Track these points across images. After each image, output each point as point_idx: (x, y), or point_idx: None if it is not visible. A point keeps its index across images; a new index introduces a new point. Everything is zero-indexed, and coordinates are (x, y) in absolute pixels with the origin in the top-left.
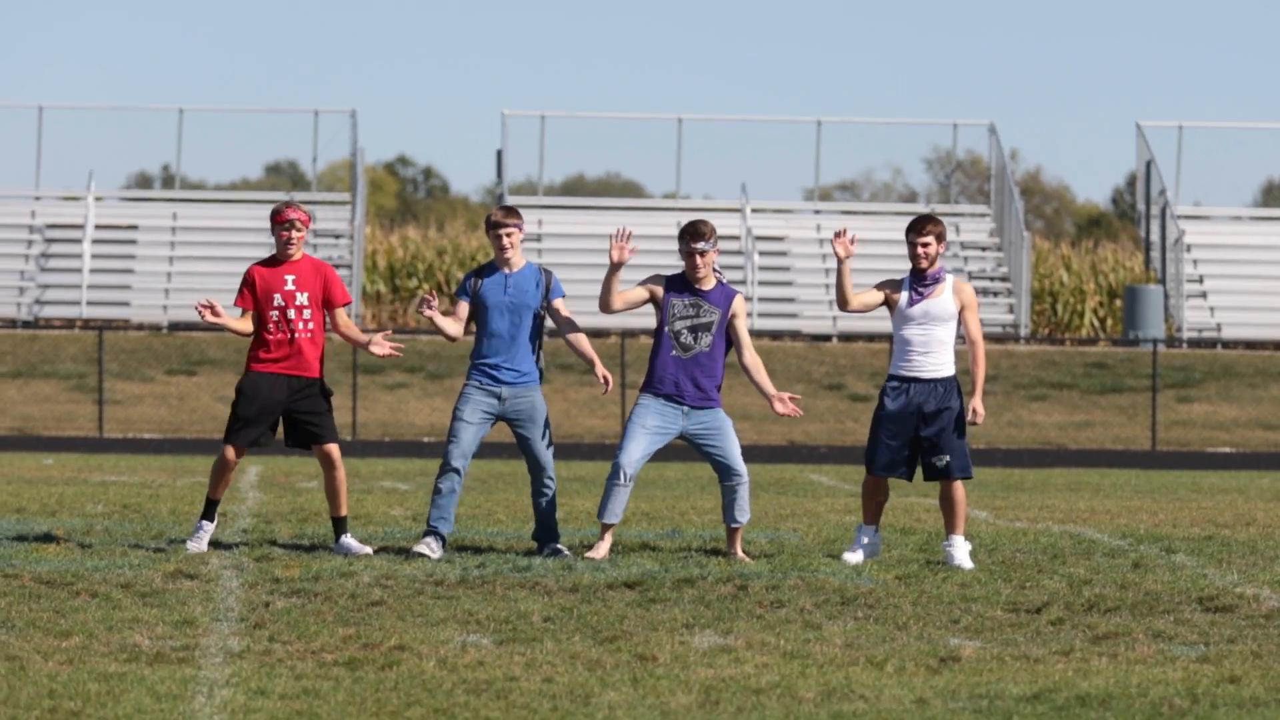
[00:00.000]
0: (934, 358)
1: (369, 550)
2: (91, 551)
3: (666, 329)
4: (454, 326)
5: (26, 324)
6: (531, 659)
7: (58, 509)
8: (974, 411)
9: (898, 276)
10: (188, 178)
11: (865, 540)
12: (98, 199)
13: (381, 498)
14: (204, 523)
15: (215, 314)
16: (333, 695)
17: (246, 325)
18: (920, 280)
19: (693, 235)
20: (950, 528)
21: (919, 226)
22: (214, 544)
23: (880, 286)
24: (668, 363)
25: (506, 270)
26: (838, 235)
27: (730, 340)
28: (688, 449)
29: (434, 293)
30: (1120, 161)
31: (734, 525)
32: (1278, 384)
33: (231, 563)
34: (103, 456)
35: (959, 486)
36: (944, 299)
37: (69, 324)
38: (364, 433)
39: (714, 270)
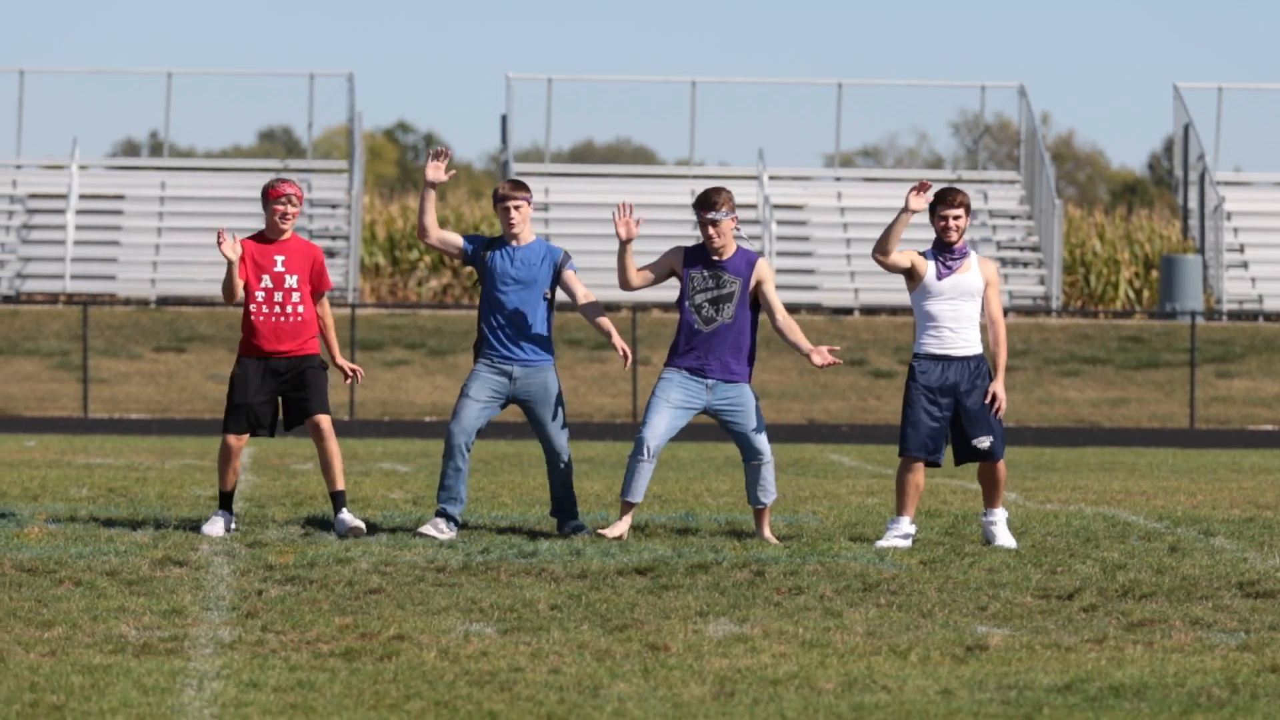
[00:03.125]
0: (965, 334)
1: (362, 525)
2: (75, 538)
3: (687, 302)
4: (432, 215)
5: (7, 299)
6: (537, 649)
7: (40, 493)
8: (994, 396)
9: (919, 249)
10: (177, 145)
11: (899, 531)
12: (82, 167)
13: (380, 480)
14: (221, 512)
15: (232, 249)
16: (328, 687)
17: (240, 286)
18: (948, 254)
19: (704, 205)
20: (990, 501)
21: (947, 199)
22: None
23: (909, 252)
24: (691, 336)
25: (515, 244)
26: (921, 188)
27: (759, 307)
28: (700, 428)
29: (445, 153)
30: (1157, 125)
31: (758, 506)
32: None
33: (222, 549)
34: (87, 438)
35: (1001, 465)
36: (972, 273)
37: (52, 299)
38: (362, 412)
39: (737, 235)
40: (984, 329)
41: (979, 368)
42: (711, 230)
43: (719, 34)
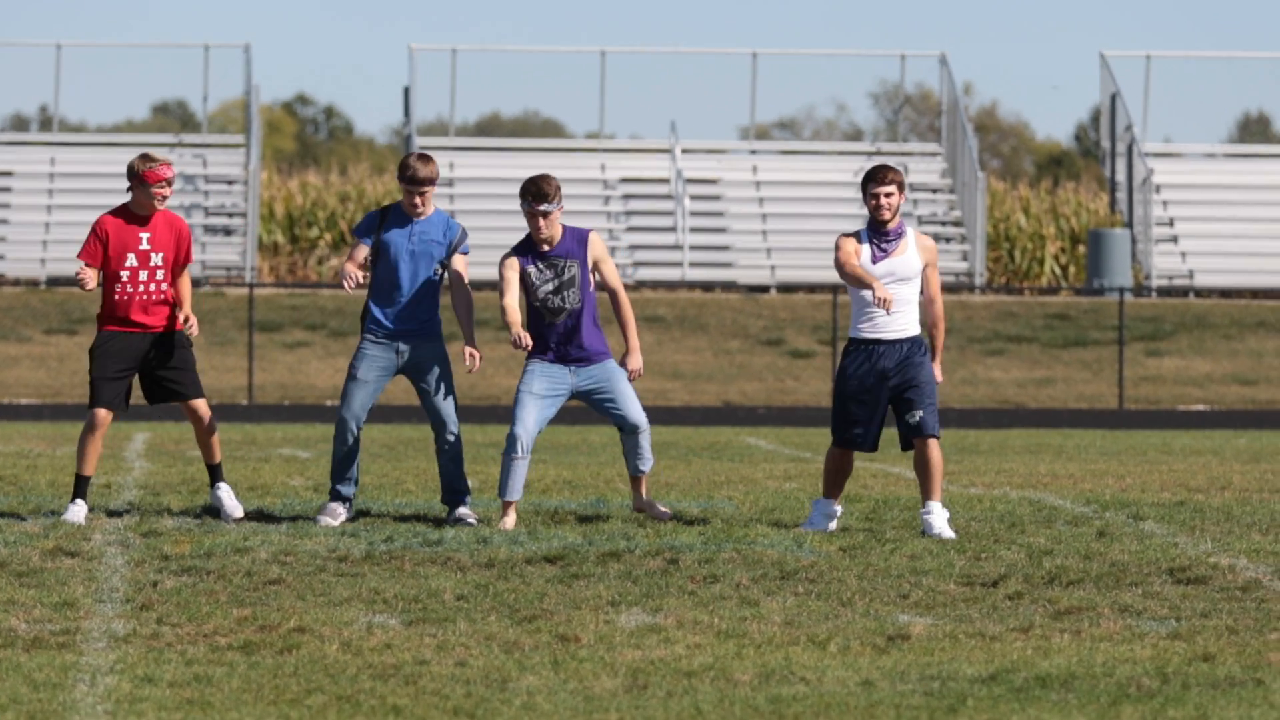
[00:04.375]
0: (900, 318)
1: (240, 513)
2: None
3: (531, 299)
4: (358, 277)
5: None
6: (443, 641)
7: None
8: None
9: (850, 229)
10: (67, 119)
11: (823, 511)
12: None
13: (280, 466)
14: (78, 501)
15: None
16: (226, 682)
17: (95, 281)
18: (882, 235)
19: (537, 196)
20: (927, 493)
21: (879, 175)
22: (95, 517)
23: (844, 242)
24: (545, 330)
25: (415, 217)
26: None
27: (599, 285)
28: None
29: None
30: (1083, 95)
31: (637, 474)
32: (1254, 336)
33: (116, 538)
34: None
35: (935, 447)
36: (908, 255)
37: None
38: (261, 395)
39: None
40: (924, 308)
41: (913, 349)
42: (542, 222)
43: (629, 2)
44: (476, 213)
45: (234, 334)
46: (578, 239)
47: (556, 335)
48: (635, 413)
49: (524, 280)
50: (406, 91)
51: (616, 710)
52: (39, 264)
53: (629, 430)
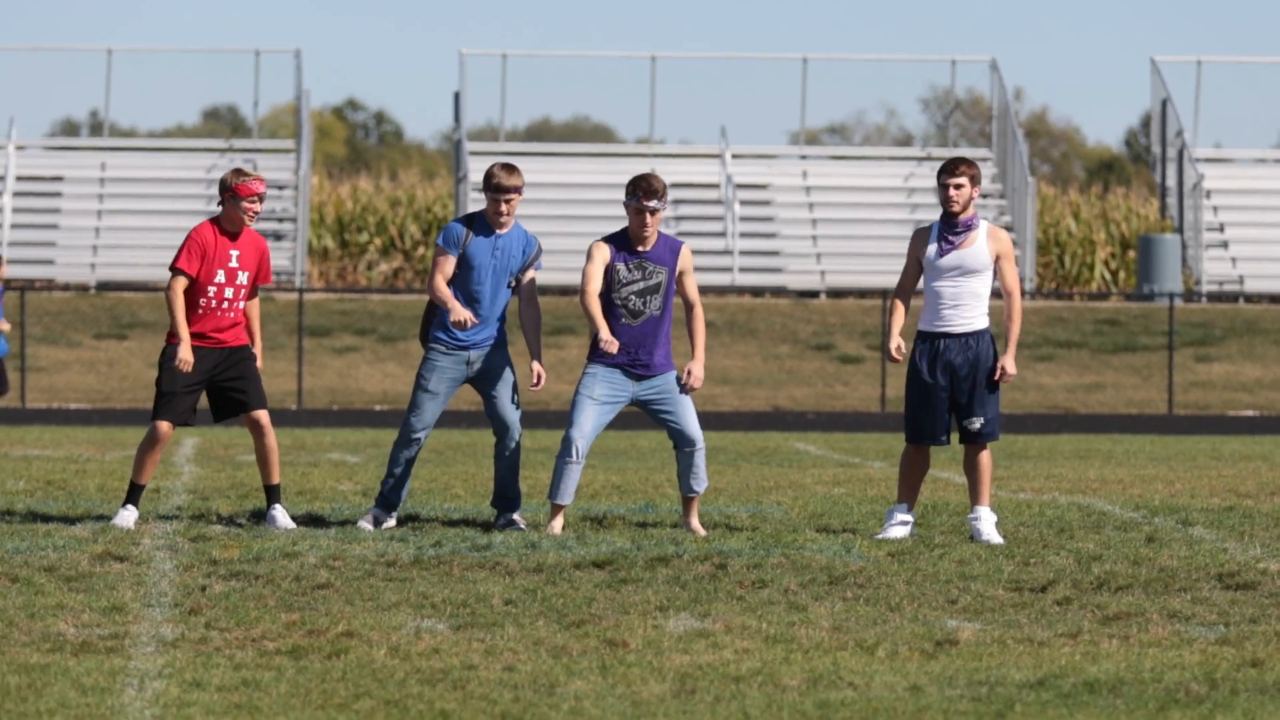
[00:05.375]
0: (965, 310)
1: (292, 525)
2: (12, 532)
3: (614, 295)
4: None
5: None
6: (491, 646)
7: None
8: (1002, 370)
9: (925, 224)
10: (118, 124)
11: (899, 518)
12: (19, 148)
13: (329, 471)
14: (129, 507)
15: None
16: (274, 687)
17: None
18: (951, 228)
19: (647, 192)
20: (976, 498)
21: (951, 167)
22: (143, 522)
23: (910, 248)
24: (617, 330)
25: (498, 231)
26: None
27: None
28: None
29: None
30: (1134, 100)
31: (690, 495)
32: None
33: (165, 543)
34: (25, 429)
35: (986, 452)
36: (977, 247)
37: None
38: (310, 400)
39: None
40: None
41: (979, 345)
42: (649, 219)
43: (680, 7)
44: (527, 218)
45: (284, 339)
46: (670, 248)
47: (630, 338)
48: (692, 428)
49: (609, 274)
50: (457, 96)
51: (664, 715)
52: (89, 269)
53: (684, 446)
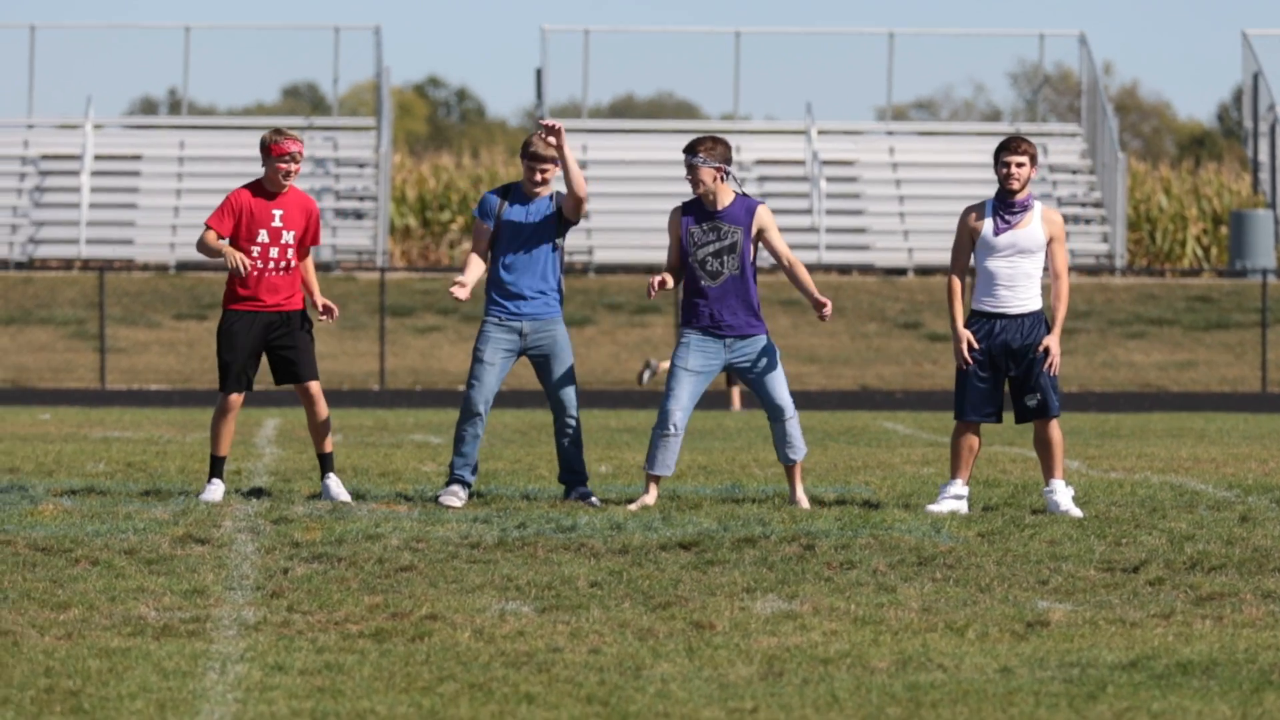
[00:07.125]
0: (1020, 291)
1: (348, 499)
2: (92, 515)
3: (690, 259)
4: (479, 269)
5: (20, 265)
6: (576, 628)
7: (55, 468)
8: (1046, 350)
9: (976, 201)
10: (196, 103)
11: (951, 493)
12: (97, 127)
13: (412, 452)
14: (215, 481)
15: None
16: (358, 670)
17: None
18: (1008, 207)
19: (688, 149)
20: (1049, 472)
21: (1011, 145)
22: (226, 502)
23: (962, 223)
24: (699, 294)
25: (535, 195)
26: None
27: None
28: (745, 397)
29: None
30: (1225, 74)
31: (788, 463)
32: None
33: (246, 525)
34: (105, 410)
35: (1054, 426)
36: (1032, 228)
37: (66, 265)
38: (393, 380)
39: (733, 184)
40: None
41: (1035, 323)
42: (695, 175)
43: None
44: (610, 195)
45: (365, 319)
46: (746, 208)
47: (713, 299)
48: (782, 396)
49: (685, 237)
50: (539, 73)
51: (752, 698)
52: (168, 249)
53: (775, 414)
